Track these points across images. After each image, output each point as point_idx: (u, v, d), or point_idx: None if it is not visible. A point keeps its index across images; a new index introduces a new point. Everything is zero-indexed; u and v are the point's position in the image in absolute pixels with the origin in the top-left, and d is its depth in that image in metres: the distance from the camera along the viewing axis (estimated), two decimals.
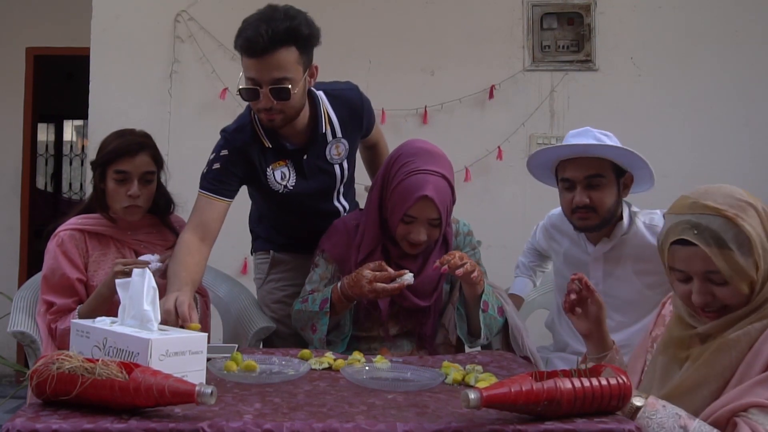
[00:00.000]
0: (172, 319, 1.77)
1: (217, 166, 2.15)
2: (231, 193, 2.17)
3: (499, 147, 3.88)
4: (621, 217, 2.27)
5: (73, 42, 4.86)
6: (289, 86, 2.02)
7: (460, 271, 1.98)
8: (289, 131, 2.18)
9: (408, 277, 2.02)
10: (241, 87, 2.05)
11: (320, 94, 2.24)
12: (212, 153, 2.18)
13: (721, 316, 1.54)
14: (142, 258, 2.12)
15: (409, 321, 2.18)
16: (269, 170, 2.21)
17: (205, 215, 2.12)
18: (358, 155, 2.47)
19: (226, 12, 3.90)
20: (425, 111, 3.90)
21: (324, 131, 2.23)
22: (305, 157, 2.23)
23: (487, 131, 3.91)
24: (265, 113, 2.07)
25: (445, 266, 1.98)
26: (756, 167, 3.84)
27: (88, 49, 3.94)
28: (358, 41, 3.87)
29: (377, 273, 2.03)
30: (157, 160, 2.26)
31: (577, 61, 3.94)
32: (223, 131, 2.22)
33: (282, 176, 2.22)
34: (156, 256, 2.12)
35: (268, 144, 2.19)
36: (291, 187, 2.24)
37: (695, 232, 1.52)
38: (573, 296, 1.73)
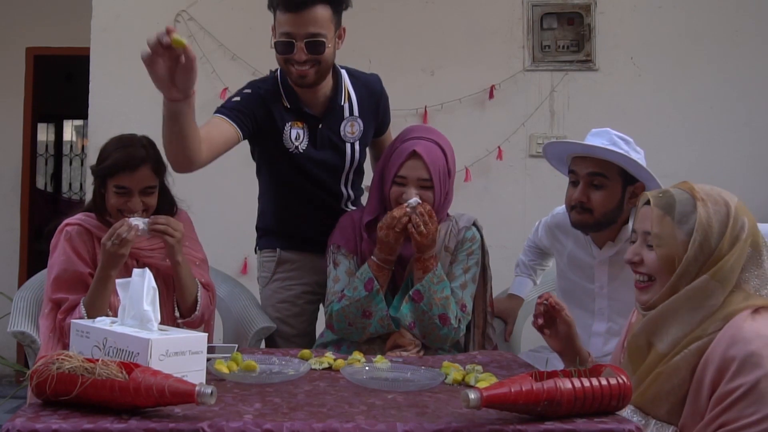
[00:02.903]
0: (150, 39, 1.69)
1: (237, 99, 2.20)
2: (243, 126, 2.16)
3: (499, 147, 3.88)
4: (627, 221, 2.26)
5: (73, 42, 4.86)
6: (324, 41, 2.09)
7: (413, 231, 2.03)
8: (310, 97, 2.24)
9: (412, 201, 2.07)
10: (276, 40, 2.12)
11: (343, 71, 2.32)
12: (234, 94, 2.23)
13: (648, 288, 1.61)
14: (131, 220, 2.05)
15: None
16: (287, 126, 2.25)
17: (212, 130, 2.08)
18: (367, 161, 2.50)
19: (226, 12, 3.91)
20: (425, 111, 3.90)
21: (342, 104, 2.29)
22: (320, 126, 2.28)
23: (487, 131, 3.91)
24: (297, 68, 2.12)
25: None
26: (756, 167, 3.84)
27: (88, 49, 3.93)
28: (358, 41, 3.84)
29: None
30: (159, 171, 2.20)
31: (577, 61, 3.94)
32: (249, 82, 2.29)
33: (297, 137, 2.26)
34: (143, 220, 2.07)
35: (287, 104, 2.24)
36: (302, 150, 2.27)
37: (660, 195, 1.61)
38: (540, 321, 1.74)
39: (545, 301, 1.74)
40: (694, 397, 1.48)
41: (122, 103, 3.89)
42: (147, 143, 2.20)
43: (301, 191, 2.36)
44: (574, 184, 2.24)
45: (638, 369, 1.58)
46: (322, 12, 2.08)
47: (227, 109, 2.16)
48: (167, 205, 2.28)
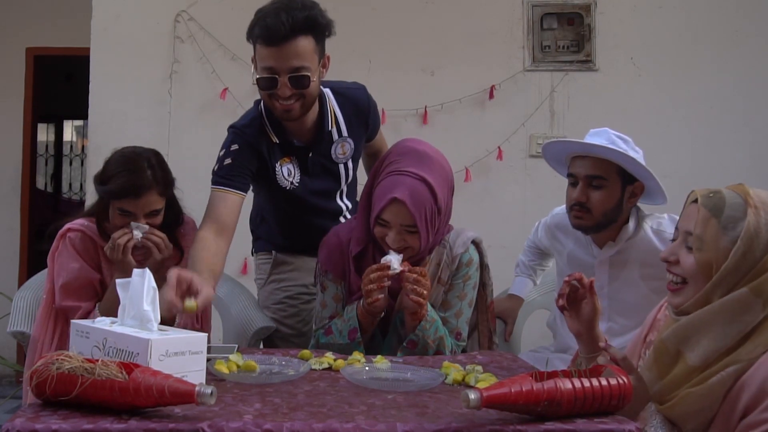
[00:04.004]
0: (169, 297, 1.68)
1: (228, 161, 2.13)
2: (244, 187, 2.15)
3: (499, 147, 3.88)
4: (627, 221, 2.26)
5: (73, 42, 4.86)
6: (308, 74, 2.02)
7: (411, 294, 1.89)
8: (296, 127, 2.18)
9: (387, 258, 1.89)
10: (258, 76, 2.05)
11: (327, 91, 2.24)
12: (222, 149, 2.17)
13: (679, 291, 1.54)
14: (135, 236, 2.07)
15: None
16: (277, 166, 2.21)
17: (220, 210, 2.09)
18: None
19: (226, 12, 3.91)
20: (425, 111, 3.90)
21: (330, 129, 2.23)
22: (310, 154, 2.23)
23: (487, 131, 3.91)
24: (281, 103, 2.06)
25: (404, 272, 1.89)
26: (756, 167, 3.84)
27: (88, 49, 3.94)
28: (358, 41, 3.87)
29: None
30: (166, 192, 2.14)
31: (577, 61, 3.94)
32: (232, 127, 2.21)
33: (288, 172, 2.22)
34: (142, 228, 2.08)
35: (275, 139, 2.19)
36: (296, 184, 2.24)
37: (710, 195, 1.51)
38: (561, 301, 1.68)
39: (575, 281, 1.66)
40: (724, 418, 1.44)
41: (122, 103, 3.90)
42: (155, 162, 2.11)
43: (300, 215, 2.34)
44: (573, 184, 2.24)
45: (664, 372, 1.55)
46: (305, 44, 2.00)
47: (223, 178, 2.11)
48: (173, 216, 2.22)
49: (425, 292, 1.91)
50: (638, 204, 2.28)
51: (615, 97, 3.90)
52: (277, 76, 2.02)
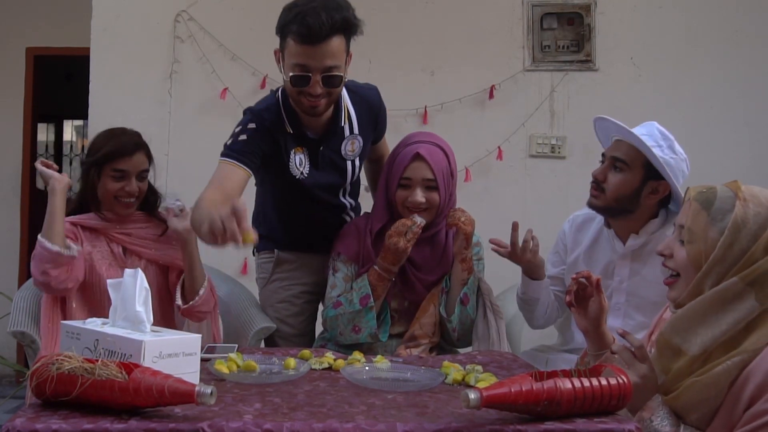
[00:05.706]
0: (218, 228, 1.60)
1: (244, 137, 2.14)
2: (253, 165, 2.14)
3: (499, 147, 3.87)
4: (651, 216, 2.26)
5: (73, 42, 4.86)
6: (341, 74, 2.07)
7: (460, 222, 2.15)
8: (311, 120, 2.20)
9: (418, 219, 2.14)
10: (291, 74, 2.05)
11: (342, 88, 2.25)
12: (238, 126, 2.18)
13: (673, 285, 1.58)
14: (168, 204, 2.28)
15: (410, 294, 2.24)
16: (292, 153, 2.23)
17: (226, 181, 2.07)
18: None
19: (226, 12, 3.90)
20: (425, 111, 3.90)
21: (343, 125, 2.26)
22: (321, 148, 2.25)
23: (487, 131, 3.90)
24: (310, 100, 2.08)
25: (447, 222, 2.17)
26: (756, 167, 3.83)
27: (88, 49, 3.93)
28: (358, 41, 3.85)
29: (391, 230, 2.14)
30: (150, 158, 2.33)
31: (577, 61, 3.93)
32: (250, 110, 2.23)
33: (300, 162, 2.24)
34: (177, 202, 2.25)
35: (289, 129, 2.21)
36: (306, 175, 2.25)
37: (702, 190, 1.57)
38: (568, 298, 1.72)
39: (583, 278, 1.70)
40: (729, 408, 1.44)
41: (122, 103, 3.89)
42: (138, 133, 2.35)
43: (304, 208, 2.35)
44: (601, 163, 2.28)
45: (667, 367, 1.55)
46: (338, 43, 2.04)
47: (235, 152, 2.11)
48: (153, 196, 2.38)
49: (469, 221, 2.18)
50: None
51: (615, 97, 3.89)
52: (310, 74, 2.04)
